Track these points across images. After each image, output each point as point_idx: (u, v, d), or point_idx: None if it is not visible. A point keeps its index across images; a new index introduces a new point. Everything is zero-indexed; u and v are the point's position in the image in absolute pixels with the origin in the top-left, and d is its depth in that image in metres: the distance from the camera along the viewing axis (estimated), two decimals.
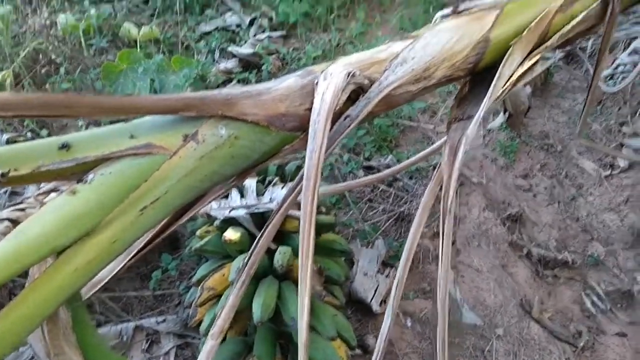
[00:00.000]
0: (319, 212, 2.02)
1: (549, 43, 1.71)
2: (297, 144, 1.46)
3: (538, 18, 1.60)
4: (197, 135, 1.18)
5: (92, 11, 3.00)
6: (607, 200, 2.31)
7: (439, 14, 1.77)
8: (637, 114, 2.50)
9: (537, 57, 1.72)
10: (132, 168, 1.00)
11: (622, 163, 2.36)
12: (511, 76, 1.62)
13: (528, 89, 2.69)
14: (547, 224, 2.33)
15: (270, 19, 3.11)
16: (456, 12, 1.69)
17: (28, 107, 0.68)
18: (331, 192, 2.07)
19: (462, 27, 1.57)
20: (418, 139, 2.58)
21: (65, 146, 0.69)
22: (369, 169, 2.38)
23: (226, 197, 1.84)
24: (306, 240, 1.02)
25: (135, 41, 2.90)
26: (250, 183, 1.77)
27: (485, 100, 1.55)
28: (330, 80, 1.32)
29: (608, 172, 2.37)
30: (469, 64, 1.55)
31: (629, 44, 2.81)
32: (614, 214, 2.27)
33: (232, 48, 2.80)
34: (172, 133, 1.15)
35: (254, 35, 2.97)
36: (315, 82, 1.37)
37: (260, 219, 1.69)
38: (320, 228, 1.87)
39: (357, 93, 1.41)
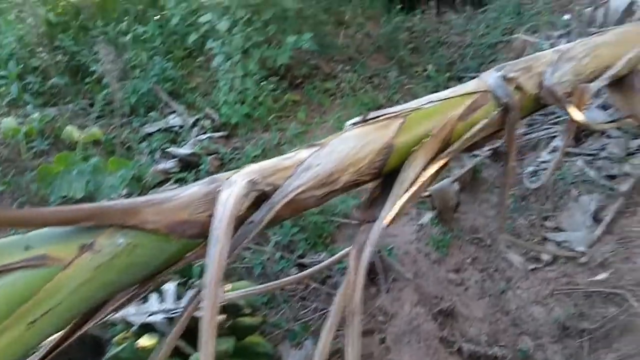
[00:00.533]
0: (244, 314, 2.01)
1: (451, 148, 1.83)
2: (200, 251, 1.48)
3: (439, 126, 1.73)
4: (93, 245, 1.19)
5: (36, 114, 3.06)
6: (534, 293, 2.36)
7: (349, 122, 1.89)
8: (559, 209, 2.62)
9: (442, 161, 1.83)
10: (25, 280, 1.00)
11: (547, 257, 2.45)
12: (416, 179, 1.71)
13: (456, 186, 2.82)
14: (478, 317, 2.35)
15: (213, 120, 3.22)
16: (365, 121, 1.80)
17: None
18: (260, 291, 2.07)
19: (368, 135, 1.67)
20: (354, 235, 2.63)
21: None
22: (302, 267, 2.40)
23: (145, 301, 1.83)
24: (207, 348, 1.03)
25: (77, 143, 2.95)
26: (170, 286, 1.77)
27: (388, 204, 1.63)
28: (232, 188, 1.37)
29: (534, 266, 2.44)
30: (373, 169, 1.64)
31: (550, 143, 3.01)
32: (541, 307, 2.32)
33: (172, 149, 2.87)
34: (68, 244, 1.17)
35: (196, 136, 3.06)
36: (218, 189, 1.42)
37: None
38: (245, 330, 1.85)
39: (261, 199, 1.47)
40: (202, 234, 1.45)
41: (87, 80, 3.57)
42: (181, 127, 3.20)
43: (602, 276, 2.28)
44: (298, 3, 3.62)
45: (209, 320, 1.17)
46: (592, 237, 2.42)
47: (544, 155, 2.88)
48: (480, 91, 2.02)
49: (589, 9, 3.15)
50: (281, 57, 3.24)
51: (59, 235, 1.14)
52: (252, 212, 1.51)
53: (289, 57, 3.30)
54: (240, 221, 1.49)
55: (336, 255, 2.01)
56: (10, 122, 2.94)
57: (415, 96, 1.84)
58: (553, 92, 2.13)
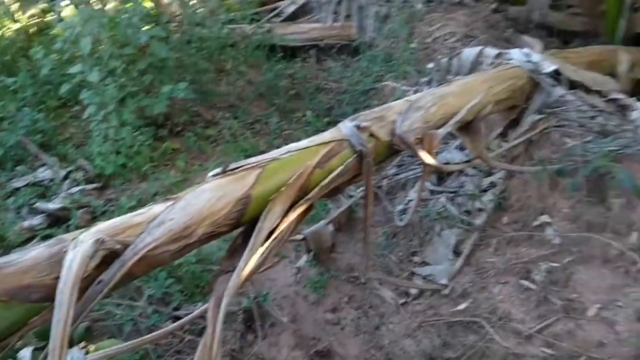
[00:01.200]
0: None
1: (310, 195, 1.92)
2: (46, 314, 1.45)
3: (297, 174, 1.82)
4: None
5: None
6: (404, 327, 2.49)
7: (210, 173, 1.92)
8: (425, 244, 2.80)
9: (302, 207, 1.91)
10: None
11: (414, 291, 2.59)
12: (276, 227, 1.77)
13: (330, 227, 2.93)
14: (353, 355, 2.44)
15: (86, 172, 3.14)
16: (224, 172, 1.86)
17: None
18: (128, 349, 2.02)
19: (224, 186, 1.74)
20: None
21: None
22: (178, 319, 2.37)
23: None
24: None
25: None
26: (26, 352, 1.69)
27: (246, 254, 1.68)
28: (78, 248, 1.37)
29: (404, 300, 2.58)
30: (231, 220, 1.70)
31: (417, 182, 3.21)
32: (411, 339, 2.45)
33: (40, 204, 2.76)
34: None
35: (67, 189, 2.96)
36: (64, 250, 1.41)
37: None
38: None
39: (112, 257, 1.47)
40: (47, 297, 1.43)
41: None
42: (51, 180, 3.08)
43: (462, 306, 2.45)
44: (176, 52, 3.66)
45: None
46: (453, 270, 2.60)
47: (412, 195, 3.07)
48: (336, 140, 2.16)
49: (445, 59, 3.46)
50: (158, 106, 3.24)
51: None
52: (102, 271, 1.51)
53: (166, 106, 3.31)
54: (89, 281, 1.47)
55: (202, 307, 2.01)
56: None
57: (295, 141, 1.92)
58: (404, 139, 2.31)
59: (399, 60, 4.20)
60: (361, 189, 3.24)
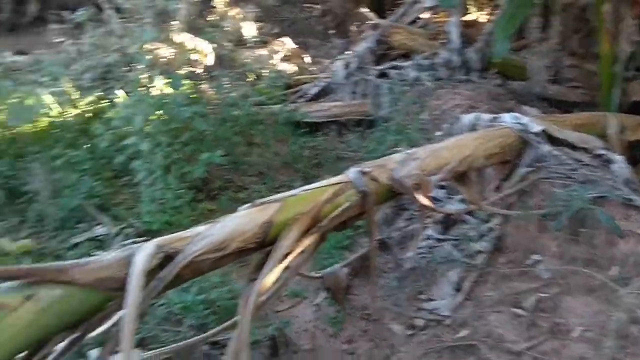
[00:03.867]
0: None
1: (322, 224, 2.36)
2: (119, 301, 1.91)
3: (310, 207, 2.27)
4: (36, 295, 1.66)
5: None
6: (411, 355, 2.79)
7: (242, 207, 2.39)
8: (431, 284, 3.14)
9: (315, 235, 2.34)
10: None
11: (421, 323, 2.91)
12: (293, 248, 2.20)
13: (345, 270, 3.30)
14: None
15: (136, 229, 3.63)
16: (253, 205, 2.32)
17: None
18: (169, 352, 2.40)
19: (252, 214, 2.20)
20: (261, 317, 3.01)
21: None
22: (213, 345, 2.73)
23: None
24: None
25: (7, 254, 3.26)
26: (94, 352, 2.09)
27: (266, 267, 2.10)
28: (143, 251, 1.83)
29: (411, 332, 2.89)
30: (257, 239, 2.15)
31: (424, 232, 3.59)
32: None
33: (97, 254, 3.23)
34: (15, 294, 1.63)
35: (120, 243, 3.44)
36: (133, 254, 1.87)
37: None
38: None
39: (167, 261, 1.91)
40: (120, 287, 1.92)
41: (20, 200, 3.93)
42: (106, 235, 3.57)
43: (462, 333, 2.76)
44: (212, 127, 4.24)
45: (126, 347, 1.62)
46: (455, 303, 2.92)
47: (421, 243, 3.44)
48: (343, 182, 2.65)
49: (447, 125, 3.93)
50: (197, 171, 3.77)
51: (7, 288, 1.63)
52: (160, 271, 1.99)
53: (204, 172, 3.83)
54: (151, 278, 1.96)
55: (231, 320, 2.42)
56: None
57: None
58: (402, 183, 2.78)
59: (410, 131, 4.69)
60: (376, 241, 3.63)
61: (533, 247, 3.06)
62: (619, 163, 3.36)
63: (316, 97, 5.86)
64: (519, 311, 2.74)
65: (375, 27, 5.96)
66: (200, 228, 1.94)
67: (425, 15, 5.98)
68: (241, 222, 2.03)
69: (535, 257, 3.01)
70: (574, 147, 3.55)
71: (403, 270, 3.29)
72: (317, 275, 2.96)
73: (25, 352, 1.51)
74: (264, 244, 2.08)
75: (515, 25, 4.64)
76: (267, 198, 2.24)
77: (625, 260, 2.78)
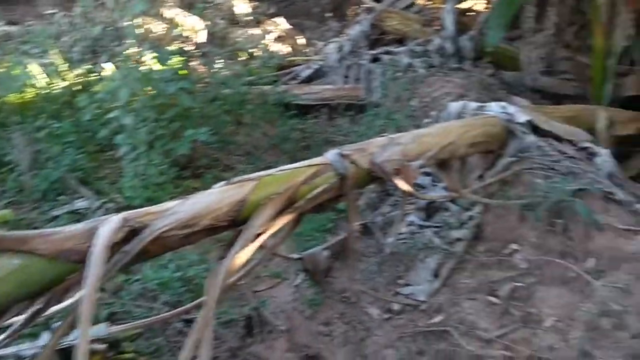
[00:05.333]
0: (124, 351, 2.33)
1: (297, 205, 2.34)
2: (80, 274, 1.89)
3: (286, 187, 2.25)
4: None
5: None
6: (387, 338, 2.80)
7: (217, 185, 2.36)
8: (409, 269, 3.14)
9: (290, 215, 2.33)
10: None
11: (397, 307, 2.92)
12: (266, 229, 2.18)
13: (326, 253, 3.30)
14: None
15: (118, 203, 3.60)
16: (228, 183, 2.29)
17: None
18: (139, 325, 2.41)
19: (226, 192, 2.18)
20: (238, 297, 3.02)
21: None
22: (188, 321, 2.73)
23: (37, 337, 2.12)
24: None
25: None
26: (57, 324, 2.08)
27: (236, 245, 2.08)
28: (108, 224, 1.81)
29: (388, 316, 2.90)
30: (229, 217, 2.13)
31: (405, 218, 3.58)
32: (392, 349, 2.75)
33: None
34: None
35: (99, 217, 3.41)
36: (98, 226, 1.85)
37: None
38: None
39: (133, 235, 1.89)
40: (82, 260, 1.89)
41: (1, 170, 3.90)
42: (87, 209, 3.55)
43: (436, 319, 2.77)
44: (200, 104, 4.20)
45: (85, 319, 1.59)
46: (431, 289, 2.93)
47: (402, 229, 3.44)
48: (322, 164, 2.61)
49: (434, 112, 3.92)
50: (181, 148, 3.74)
51: None
52: (126, 245, 1.97)
53: (189, 149, 3.80)
54: (115, 251, 1.94)
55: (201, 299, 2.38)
56: None
57: None
58: (382, 168, 2.75)
59: (399, 117, 4.67)
60: (356, 224, 3.63)
61: (512, 236, 3.07)
62: (604, 156, 3.36)
63: (308, 80, 5.82)
64: (494, 299, 2.75)
65: (369, 10, 5.90)
66: (170, 204, 1.92)
67: (421, 1, 5.92)
68: (214, 199, 2.01)
69: (513, 246, 3.02)
70: (559, 138, 3.55)
71: (383, 255, 3.29)
72: (297, 256, 2.96)
73: None
74: (236, 223, 2.06)
75: (511, 15, 4.61)
76: (243, 177, 2.22)
77: (601, 254, 2.79)
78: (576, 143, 3.56)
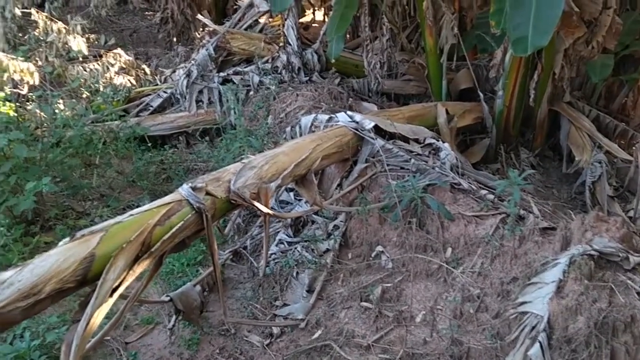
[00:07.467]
0: None
1: (153, 249, 2.23)
2: None
3: (137, 233, 2.13)
4: None
5: None
6: None
7: (60, 243, 2.18)
8: (285, 289, 3.14)
9: (147, 261, 2.21)
10: None
11: (277, 330, 2.90)
12: (123, 280, 2.05)
13: (198, 288, 3.19)
14: None
15: None
16: (72, 239, 2.13)
17: None
18: None
19: (70, 249, 2.02)
20: (108, 352, 2.82)
21: None
22: None
23: None
24: None
25: None
26: None
27: (91, 303, 1.94)
28: None
29: (269, 341, 2.87)
30: (77, 276, 1.97)
31: (276, 237, 3.59)
32: None
33: None
34: None
35: None
36: None
37: None
38: None
39: None
40: None
41: None
42: None
43: (316, 334, 2.79)
44: (41, 152, 3.89)
45: None
46: (308, 306, 2.95)
47: (273, 248, 3.44)
48: (175, 201, 2.51)
49: (289, 128, 3.97)
50: (24, 203, 3.43)
51: None
52: None
53: (34, 202, 3.49)
54: None
55: None
56: None
57: None
58: (239, 194, 2.71)
59: (257, 136, 4.67)
60: (227, 251, 3.57)
61: (376, 239, 3.19)
62: (445, 150, 3.62)
63: (160, 109, 5.64)
64: (367, 304, 2.83)
65: (213, 33, 5.86)
66: (6, 274, 1.74)
67: (262, 19, 5.99)
68: (57, 259, 1.85)
69: (379, 248, 3.14)
70: (406, 139, 3.76)
71: (259, 279, 3.26)
72: (167, 298, 2.83)
73: None
74: (87, 281, 1.92)
75: (346, 25, 4.80)
76: (89, 229, 2.07)
77: (457, 242, 2.99)
78: (421, 141, 3.80)
